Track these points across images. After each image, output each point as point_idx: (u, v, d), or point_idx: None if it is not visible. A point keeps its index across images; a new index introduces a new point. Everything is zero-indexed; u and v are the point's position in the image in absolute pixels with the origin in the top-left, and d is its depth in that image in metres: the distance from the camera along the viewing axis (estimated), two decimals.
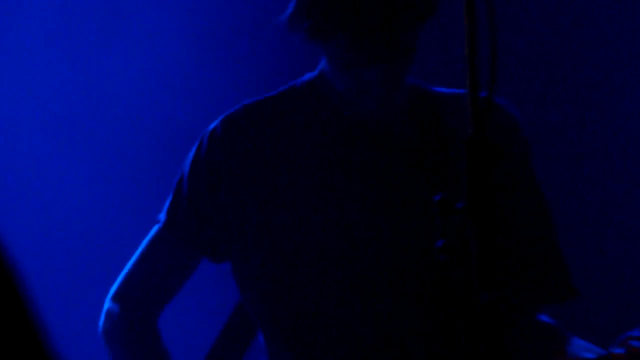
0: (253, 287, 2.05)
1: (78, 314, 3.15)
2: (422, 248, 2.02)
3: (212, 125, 2.05)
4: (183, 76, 4.50)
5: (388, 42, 1.96)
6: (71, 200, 3.94)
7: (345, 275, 2.01)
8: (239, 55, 3.45)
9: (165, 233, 2.08)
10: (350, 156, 2.04)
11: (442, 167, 2.01)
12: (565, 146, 3.43)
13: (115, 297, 2.12)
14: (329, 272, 2.01)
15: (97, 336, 2.20)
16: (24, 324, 0.98)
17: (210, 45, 4.48)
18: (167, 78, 4.47)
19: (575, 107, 3.56)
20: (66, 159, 4.28)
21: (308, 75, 2.07)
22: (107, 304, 2.13)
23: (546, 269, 2.14)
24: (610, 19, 3.62)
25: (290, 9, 1.99)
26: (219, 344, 2.22)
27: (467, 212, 1.64)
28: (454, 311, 1.98)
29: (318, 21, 1.96)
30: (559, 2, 3.73)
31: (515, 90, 3.21)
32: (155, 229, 2.10)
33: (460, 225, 1.63)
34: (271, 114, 2.06)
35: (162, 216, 2.08)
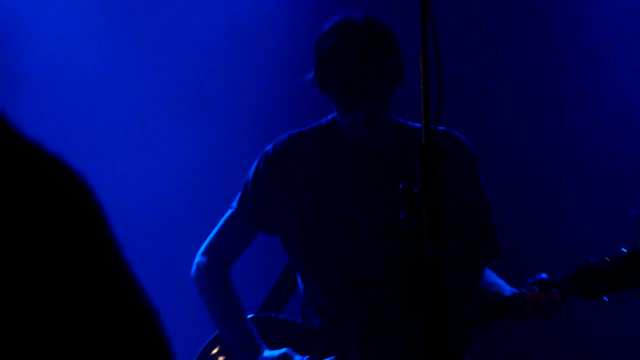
0: (294, 252, 3.26)
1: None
2: (395, 222, 3.01)
3: (267, 148, 3.28)
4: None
5: (368, 97, 3.11)
6: (170, 192, 5.12)
7: (350, 243, 3.20)
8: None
9: (236, 215, 3.30)
10: (352, 167, 3.21)
11: (411, 172, 3.00)
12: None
13: (203, 254, 3.33)
14: (340, 242, 3.21)
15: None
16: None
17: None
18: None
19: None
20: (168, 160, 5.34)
21: (330, 116, 3.26)
22: (198, 258, 3.34)
23: (484, 237, 3.24)
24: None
25: (310, 74, 3.14)
26: (273, 292, 3.44)
27: (421, 195, 2.50)
28: (412, 259, 2.97)
29: (324, 82, 3.11)
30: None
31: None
32: (229, 212, 3.32)
33: (416, 203, 2.49)
34: (304, 142, 3.26)
35: (234, 204, 3.30)
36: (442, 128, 3.06)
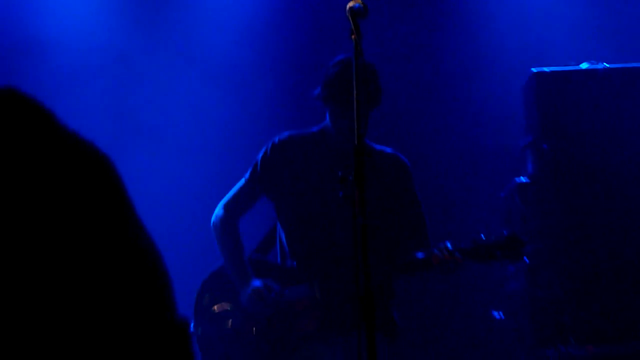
0: (282, 215, 4.46)
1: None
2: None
3: (274, 138, 4.46)
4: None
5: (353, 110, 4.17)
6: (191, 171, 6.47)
7: (322, 212, 4.39)
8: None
9: (246, 183, 4.55)
10: (336, 161, 4.34)
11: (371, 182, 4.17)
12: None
13: (220, 208, 4.50)
14: (315, 210, 4.39)
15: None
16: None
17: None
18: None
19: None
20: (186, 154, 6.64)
21: (322, 124, 4.43)
22: (217, 211, 4.52)
23: (415, 226, 4.48)
24: None
25: (317, 90, 4.37)
26: (262, 242, 4.61)
27: (354, 181, 3.36)
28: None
29: (326, 97, 4.33)
30: None
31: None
32: (241, 180, 4.57)
33: (349, 186, 3.38)
34: (301, 141, 4.45)
35: (246, 175, 4.55)
36: (390, 150, 4.52)
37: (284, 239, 4.51)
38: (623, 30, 6.49)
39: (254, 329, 4.43)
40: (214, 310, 4.52)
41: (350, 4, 3.47)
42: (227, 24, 6.69)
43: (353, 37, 3.42)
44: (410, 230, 4.48)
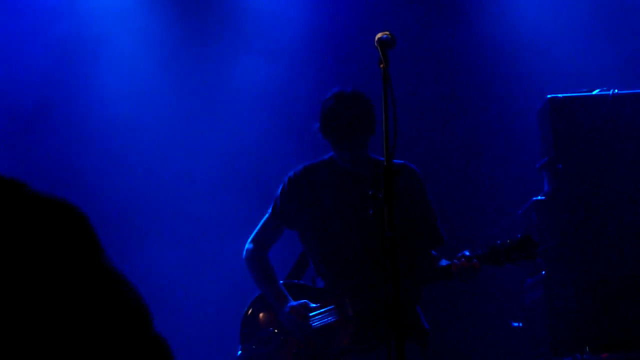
0: (307, 241, 4.68)
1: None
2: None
3: (290, 172, 4.79)
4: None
5: (351, 144, 4.48)
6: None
7: (343, 235, 4.59)
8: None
9: (270, 217, 4.85)
10: (344, 186, 4.67)
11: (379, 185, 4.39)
12: None
13: (250, 242, 4.75)
14: (337, 234, 4.60)
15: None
16: None
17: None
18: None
19: None
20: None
21: (330, 153, 4.64)
22: (247, 246, 4.76)
23: (429, 230, 4.63)
24: None
25: (316, 125, 4.56)
26: (294, 268, 4.87)
27: (384, 198, 3.61)
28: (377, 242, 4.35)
29: (324, 132, 4.62)
30: None
31: None
32: (266, 216, 4.87)
33: (380, 204, 3.62)
34: (314, 170, 4.77)
35: (269, 210, 4.86)
36: (402, 161, 4.65)
37: (312, 264, 4.76)
38: (636, 58, 6.75)
39: (295, 348, 4.62)
40: (259, 332, 4.70)
41: (379, 35, 3.68)
42: (263, 54, 6.96)
43: (381, 66, 3.59)
44: (425, 233, 4.62)
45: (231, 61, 6.92)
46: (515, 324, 6.01)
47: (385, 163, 3.57)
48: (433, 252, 4.68)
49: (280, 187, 4.78)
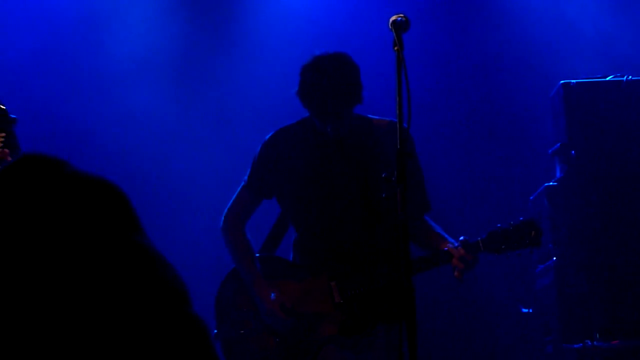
0: (286, 207, 4.41)
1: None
2: (358, 188, 4.20)
3: (266, 137, 4.38)
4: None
5: (332, 117, 4.13)
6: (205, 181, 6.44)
7: (323, 201, 4.29)
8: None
9: (246, 187, 4.43)
10: (324, 151, 4.28)
11: (367, 155, 4.21)
12: None
13: (226, 214, 4.45)
14: (317, 200, 4.29)
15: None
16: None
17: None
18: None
19: None
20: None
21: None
22: (223, 217, 4.41)
23: (417, 192, 4.28)
24: None
25: (296, 89, 4.17)
26: (271, 234, 4.57)
27: (396, 181, 3.54)
28: (377, 220, 4.23)
29: (303, 102, 4.16)
30: None
31: None
32: (241, 184, 4.44)
33: (392, 185, 3.54)
34: (290, 133, 4.35)
35: (245, 179, 4.41)
36: (389, 119, 4.27)
37: (290, 232, 4.47)
38: None
39: (277, 336, 4.35)
40: (235, 312, 4.41)
41: (393, 18, 3.58)
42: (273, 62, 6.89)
43: (396, 48, 3.49)
44: (413, 197, 4.13)
45: (236, 61, 6.91)
46: (526, 310, 6.02)
47: (398, 146, 3.49)
48: (428, 220, 4.37)
49: (256, 154, 4.41)
